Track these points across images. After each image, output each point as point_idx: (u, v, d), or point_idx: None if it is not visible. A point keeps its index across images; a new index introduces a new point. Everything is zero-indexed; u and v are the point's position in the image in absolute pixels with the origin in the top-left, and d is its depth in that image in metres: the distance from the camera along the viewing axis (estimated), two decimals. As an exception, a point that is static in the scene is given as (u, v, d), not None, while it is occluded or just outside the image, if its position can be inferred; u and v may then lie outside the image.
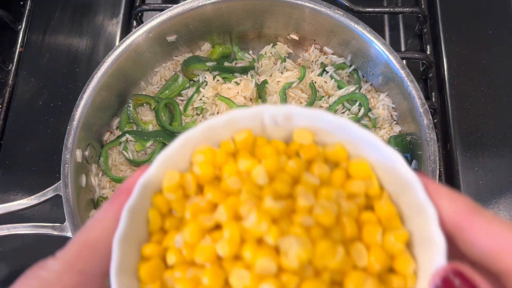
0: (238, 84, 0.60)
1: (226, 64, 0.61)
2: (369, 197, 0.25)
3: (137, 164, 0.57)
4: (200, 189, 0.26)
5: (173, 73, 0.62)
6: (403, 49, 0.68)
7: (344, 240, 0.24)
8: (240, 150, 0.26)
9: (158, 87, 0.62)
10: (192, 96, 0.60)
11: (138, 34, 0.54)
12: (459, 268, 0.20)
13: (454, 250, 0.23)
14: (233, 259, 0.23)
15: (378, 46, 0.53)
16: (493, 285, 0.20)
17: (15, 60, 0.68)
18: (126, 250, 0.24)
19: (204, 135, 0.26)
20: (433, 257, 0.23)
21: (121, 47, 0.54)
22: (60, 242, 0.29)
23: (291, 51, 0.64)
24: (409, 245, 0.25)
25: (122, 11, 0.68)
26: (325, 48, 0.61)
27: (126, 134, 0.58)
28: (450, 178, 0.60)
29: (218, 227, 0.24)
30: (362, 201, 0.25)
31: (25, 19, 0.70)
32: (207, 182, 0.25)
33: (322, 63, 0.61)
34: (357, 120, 0.57)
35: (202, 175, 0.25)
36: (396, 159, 0.24)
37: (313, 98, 0.58)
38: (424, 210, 0.23)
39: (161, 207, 0.25)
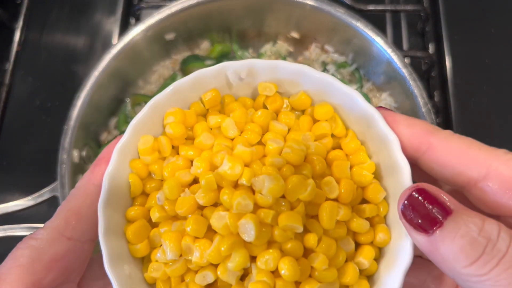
0: (237, 83, 0.59)
1: (225, 62, 0.60)
2: (336, 137, 0.27)
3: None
4: (175, 151, 0.27)
5: (171, 72, 0.62)
6: (405, 47, 0.67)
7: (315, 175, 0.25)
8: (209, 109, 0.28)
9: (156, 86, 0.61)
10: (191, 95, 0.59)
11: (136, 32, 0.54)
12: (421, 186, 0.21)
13: (421, 175, 0.24)
14: (213, 207, 0.24)
15: (380, 45, 0.52)
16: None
17: (12, 59, 0.67)
18: (112, 214, 0.25)
19: (173, 99, 0.27)
20: (400, 182, 0.24)
21: (118, 46, 0.53)
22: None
23: (292, 49, 0.63)
24: (379, 178, 0.26)
25: (120, 9, 0.67)
26: (326, 47, 0.61)
27: (124, 134, 0.57)
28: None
29: (195, 181, 0.25)
30: (329, 141, 0.26)
31: (22, 17, 0.70)
32: (180, 142, 0.27)
33: (323, 61, 0.61)
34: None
35: (174, 134, 0.26)
36: (355, 95, 0.25)
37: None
38: (386, 139, 0.24)
39: (140, 171, 0.26)
